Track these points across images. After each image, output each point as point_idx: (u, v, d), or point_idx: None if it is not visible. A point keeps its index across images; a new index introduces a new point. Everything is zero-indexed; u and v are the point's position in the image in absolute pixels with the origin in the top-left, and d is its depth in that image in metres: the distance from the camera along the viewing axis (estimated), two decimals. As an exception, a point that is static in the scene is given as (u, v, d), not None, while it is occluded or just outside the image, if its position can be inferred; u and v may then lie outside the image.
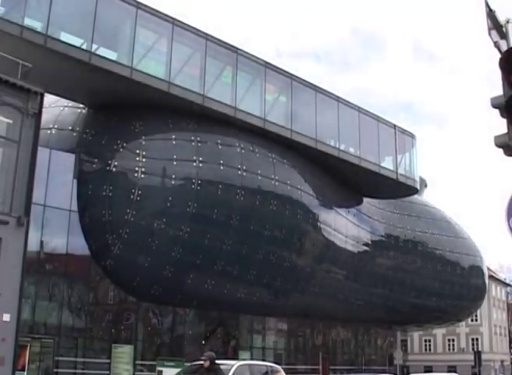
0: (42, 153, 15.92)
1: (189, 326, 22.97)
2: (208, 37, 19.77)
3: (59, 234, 17.94)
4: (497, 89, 5.71)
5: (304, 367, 27.52)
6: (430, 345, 47.98)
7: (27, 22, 15.71)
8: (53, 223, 17.71)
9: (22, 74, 15.16)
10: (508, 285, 55.56)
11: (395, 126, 26.55)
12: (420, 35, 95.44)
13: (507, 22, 6.07)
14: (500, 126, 5.79)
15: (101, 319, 19.75)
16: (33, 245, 16.23)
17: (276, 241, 21.40)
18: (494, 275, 48.78)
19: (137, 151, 18.24)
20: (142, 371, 20.34)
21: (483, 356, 37.40)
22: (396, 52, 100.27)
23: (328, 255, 24.51)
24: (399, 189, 27.12)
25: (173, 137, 19.03)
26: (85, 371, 18.55)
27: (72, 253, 18.51)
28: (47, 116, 17.34)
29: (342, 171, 24.76)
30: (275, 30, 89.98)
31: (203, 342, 22.87)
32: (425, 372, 35.94)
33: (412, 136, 27.49)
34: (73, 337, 18.52)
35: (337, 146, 23.90)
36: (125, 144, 18.36)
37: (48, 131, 18.26)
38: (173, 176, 18.61)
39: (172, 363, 18.06)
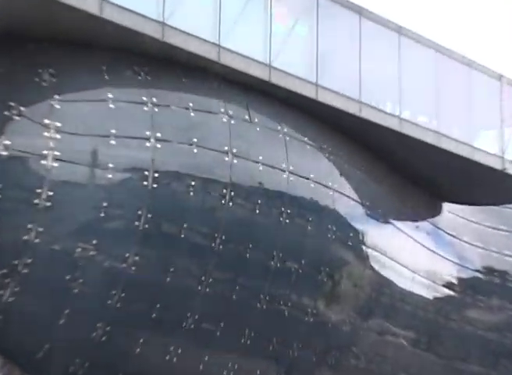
0: None
1: None
2: None
3: None
4: None
5: None
6: None
7: None
8: None
9: None
10: None
11: (500, 76, 26.68)
12: None
13: None
14: None
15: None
16: None
17: (291, 277, 21.45)
18: None
19: (46, 121, 17.98)
20: None
21: None
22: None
23: (383, 303, 24.71)
24: (507, 188, 27.38)
25: (110, 96, 18.85)
26: None
27: None
28: None
29: (405, 157, 24.96)
30: None
31: None
32: None
33: (530, 93, 27.61)
34: None
35: (397, 113, 23.89)
36: (23, 109, 17.96)
37: None
38: (110, 166, 18.48)
39: None
